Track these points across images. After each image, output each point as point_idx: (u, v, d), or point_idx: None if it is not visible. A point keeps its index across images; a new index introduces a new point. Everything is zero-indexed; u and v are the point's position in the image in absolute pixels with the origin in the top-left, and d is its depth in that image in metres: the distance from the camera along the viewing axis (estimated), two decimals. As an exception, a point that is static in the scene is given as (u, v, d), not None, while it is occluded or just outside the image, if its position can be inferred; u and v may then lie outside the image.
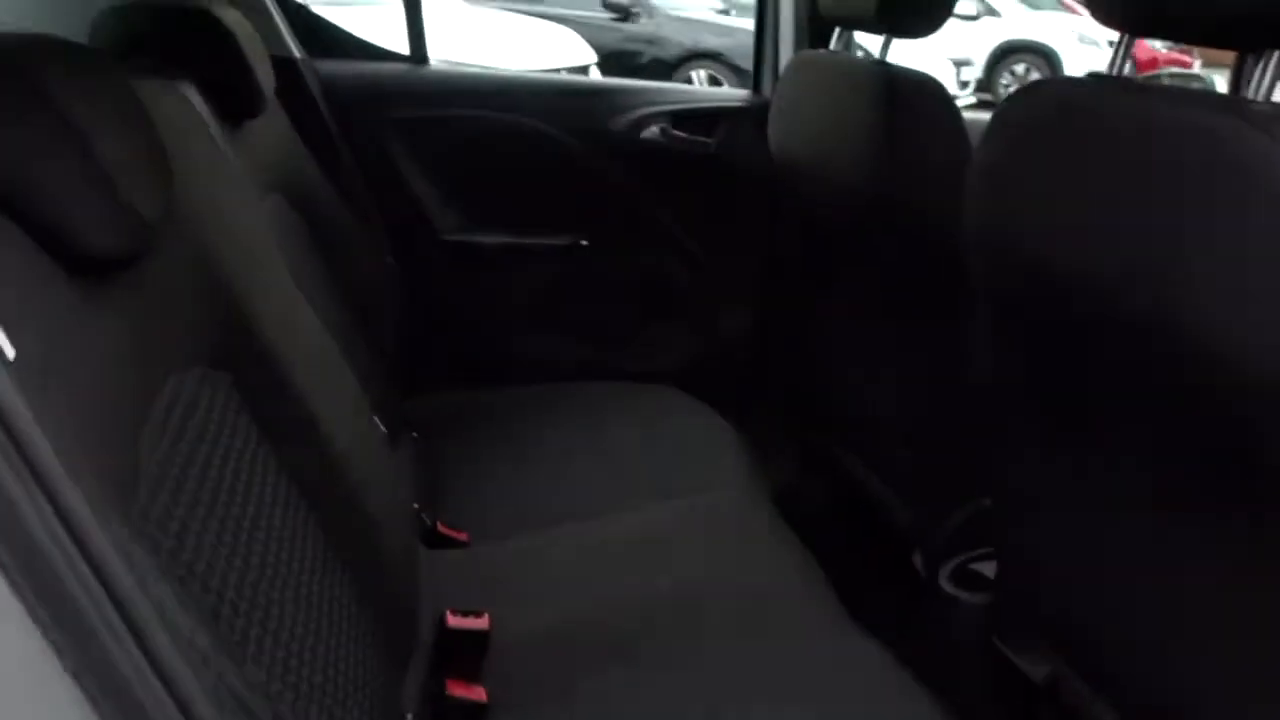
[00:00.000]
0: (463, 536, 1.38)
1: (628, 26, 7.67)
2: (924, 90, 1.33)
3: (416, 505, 1.39)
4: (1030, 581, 1.20)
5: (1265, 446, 0.74)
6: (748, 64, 1.90)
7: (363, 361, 1.48)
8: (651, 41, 7.52)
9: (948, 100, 1.33)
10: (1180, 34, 0.82)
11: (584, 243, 1.85)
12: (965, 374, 1.22)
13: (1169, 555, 0.95)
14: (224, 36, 1.18)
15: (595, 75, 4.75)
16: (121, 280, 0.69)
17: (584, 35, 7.12)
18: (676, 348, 1.97)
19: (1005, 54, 7.95)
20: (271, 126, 1.40)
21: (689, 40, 7.38)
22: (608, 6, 7.66)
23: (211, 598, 0.69)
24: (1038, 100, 0.94)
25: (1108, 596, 1.05)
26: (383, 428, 1.29)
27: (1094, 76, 0.91)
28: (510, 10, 6.46)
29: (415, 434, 1.60)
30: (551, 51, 5.90)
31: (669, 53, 7.42)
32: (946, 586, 1.43)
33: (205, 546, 0.70)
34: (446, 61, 1.79)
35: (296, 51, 1.63)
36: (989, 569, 1.45)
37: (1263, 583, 0.83)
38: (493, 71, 1.79)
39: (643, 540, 1.31)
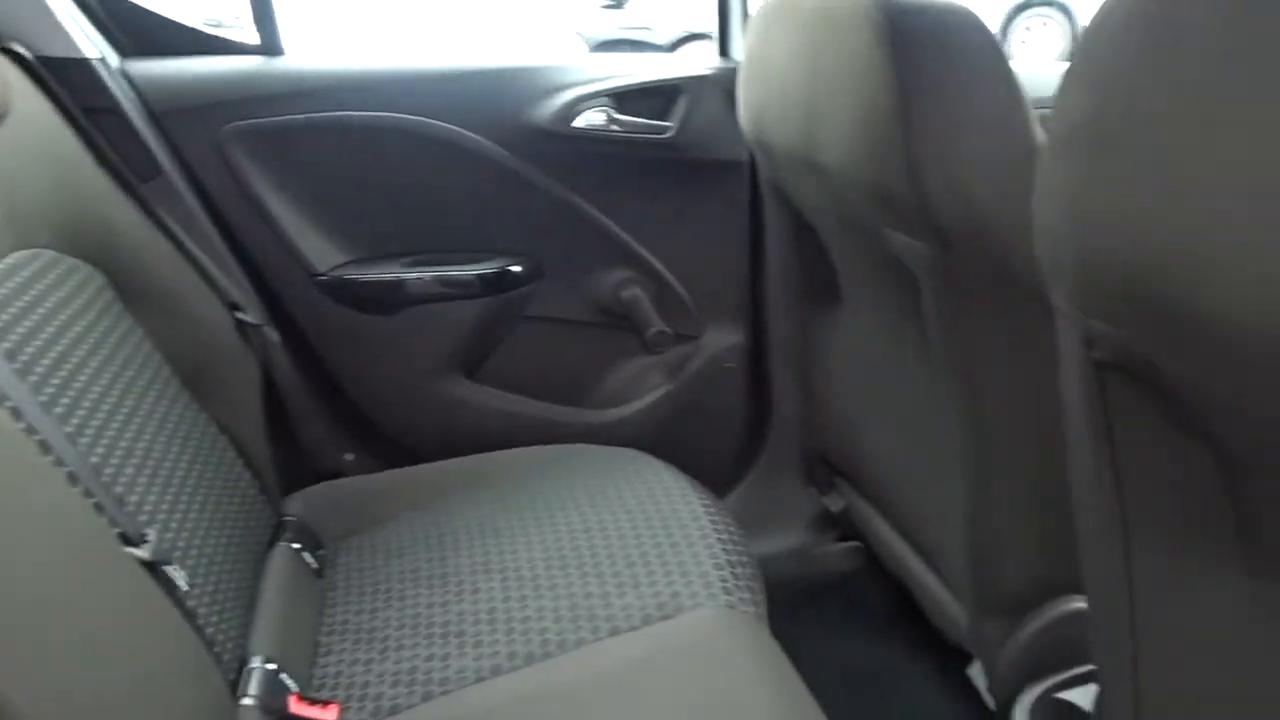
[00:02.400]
0: (331, 714, 0.97)
1: (620, 14, 7.30)
2: (951, 26, 0.89)
3: (274, 665, 0.99)
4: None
5: None
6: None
7: (202, 458, 1.08)
8: (645, 27, 7.18)
9: (988, 40, 0.89)
10: None
11: (515, 269, 1.43)
12: (1040, 437, 0.80)
13: None
14: None
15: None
16: None
17: (574, 27, 6.76)
18: (645, 396, 1.54)
19: (1019, 10, 7.42)
20: (23, 154, 1.00)
21: (683, 21, 7.02)
22: (601, -7, 7.35)
23: None
24: (1151, 12, 0.51)
25: None
26: (183, 583, 0.88)
27: None
28: None
29: (296, 544, 1.21)
30: (532, 43, 5.52)
31: (663, 38, 7.05)
32: (1027, 734, 1.01)
33: None
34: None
35: (91, 50, 1.22)
36: (1086, 697, 1.03)
37: None
38: (365, 62, 1.36)
39: (580, 711, 0.90)
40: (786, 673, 0.95)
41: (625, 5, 7.51)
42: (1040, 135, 0.86)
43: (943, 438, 1.05)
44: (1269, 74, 0.44)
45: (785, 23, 1.11)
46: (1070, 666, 1.05)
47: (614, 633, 1.00)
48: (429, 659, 1.02)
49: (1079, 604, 1.04)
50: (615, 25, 7.33)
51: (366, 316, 1.40)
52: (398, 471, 1.37)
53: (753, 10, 1.38)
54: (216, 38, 1.33)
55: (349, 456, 1.45)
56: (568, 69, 1.40)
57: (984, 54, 0.88)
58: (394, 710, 0.97)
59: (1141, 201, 0.52)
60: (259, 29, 1.33)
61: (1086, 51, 0.55)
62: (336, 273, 1.38)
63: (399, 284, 1.40)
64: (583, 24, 7.18)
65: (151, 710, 0.73)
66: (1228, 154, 0.46)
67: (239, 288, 1.29)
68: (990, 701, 1.11)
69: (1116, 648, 0.77)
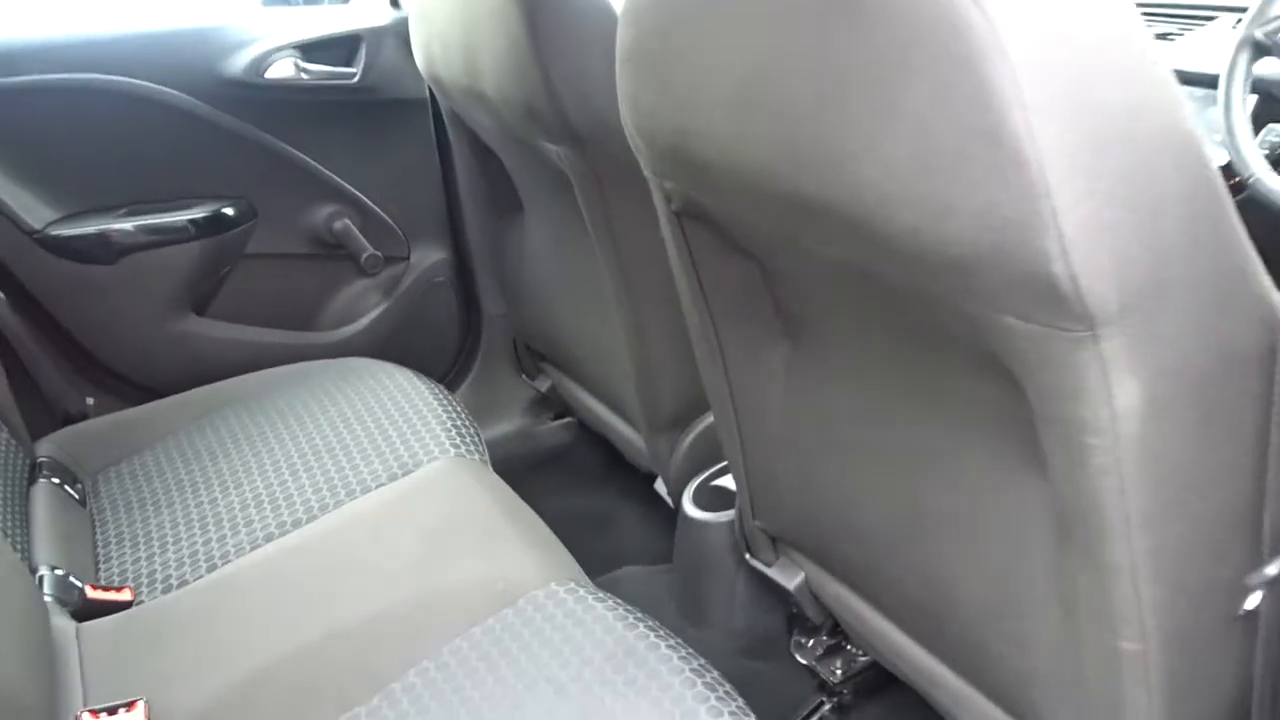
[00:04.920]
0: (125, 594, 1.13)
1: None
2: None
3: (61, 570, 1.13)
4: (767, 493, 1.12)
5: (944, 315, 0.65)
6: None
7: None
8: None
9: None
10: None
11: (228, 211, 1.57)
12: (670, 287, 1.10)
13: (886, 443, 0.87)
14: None
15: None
16: None
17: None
18: (368, 314, 1.74)
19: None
20: None
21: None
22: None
23: None
24: None
25: (836, 492, 0.98)
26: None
27: None
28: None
29: (56, 479, 1.32)
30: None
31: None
32: (691, 510, 1.34)
33: None
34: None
35: None
36: (731, 482, 1.38)
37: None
38: (46, 30, 1.44)
39: (342, 553, 1.12)
40: (511, 496, 1.21)
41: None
42: None
43: (607, 302, 1.34)
44: (714, 24, 0.73)
45: None
46: (718, 462, 1.39)
47: (365, 491, 1.22)
48: (206, 542, 1.19)
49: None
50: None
51: (87, 267, 1.49)
52: (143, 407, 1.49)
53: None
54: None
55: (90, 400, 1.54)
56: (255, 25, 1.54)
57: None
58: (183, 584, 1.14)
59: (669, 95, 0.81)
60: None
61: (629, 5, 0.83)
62: (53, 229, 1.46)
63: (115, 234, 1.50)
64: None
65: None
66: (704, 64, 0.75)
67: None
68: (671, 503, 1.44)
69: (726, 419, 1.09)
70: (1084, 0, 0.54)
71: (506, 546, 1.09)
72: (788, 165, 0.69)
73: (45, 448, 1.39)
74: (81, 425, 1.47)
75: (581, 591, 0.99)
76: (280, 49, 1.54)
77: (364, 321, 1.73)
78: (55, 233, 1.47)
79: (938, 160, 0.55)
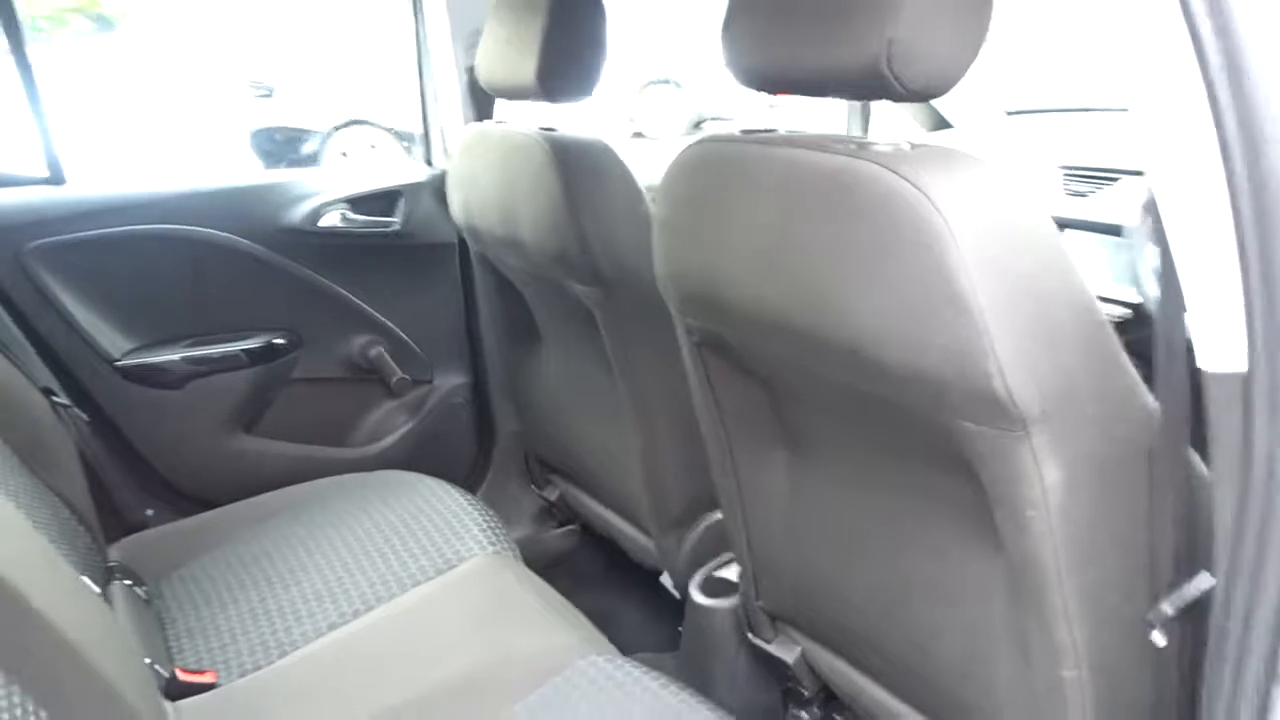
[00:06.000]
0: (209, 677, 1.28)
1: (273, 102, 7.45)
2: (592, 152, 1.42)
3: (148, 659, 1.28)
4: (769, 576, 1.31)
5: (919, 425, 0.88)
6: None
7: (46, 516, 1.34)
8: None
9: (616, 159, 1.43)
10: (806, 91, 0.94)
11: (278, 341, 1.78)
12: (680, 404, 1.31)
13: (873, 530, 1.08)
14: None
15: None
16: None
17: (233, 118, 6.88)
18: (396, 432, 1.94)
19: (648, 84, 8.58)
20: None
21: (335, 106, 7.30)
22: (253, 85, 7.46)
23: None
24: (698, 158, 1.05)
25: (830, 572, 1.17)
26: (95, 587, 1.17)
27: (745, 132, 1.03)
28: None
29: (128, 581, 1.47)
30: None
31: (322, 124, 7.30)
32: (697, 598, 1.52)
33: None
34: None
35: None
36: (732, 572, 1.56)
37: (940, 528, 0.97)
38: (142, 186, 1.68)
39: (404, 635, 1.29)
40: (543, 585, 1.39)
41: (274, 94, 7.63)
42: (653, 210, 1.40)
43: (621, 418, 1.55)
44: (734, 198, 0.97)
45: (481, 147, 1.59)
46: (720, 555, 1.59)
47: (415, 584, 1.39)
48: (274, 632, 1.35)
49: (719, 514, 1.59)
50: (272, 114, 7.46)
51: (156, 391, 1.69)
52: (198, 517, 1.65)
53: (445, 132, 1.86)
54: (4, 174, 1.59)
55: (150, 512, 1.71)
56: (312, 180, 1.79)
57: (613, 164, 1.42)
58: (258, 668, 1.29)
59: (698, 253, 1.04)
60: (47, 161, 1.60)
61: (665, 185, 1.07)
62: (129, 358, 1.66)
63: (182, 363, 1.70)
64: (240, 114, 7.28)
65: (128, 676, 1.03)
66: (728, 228, 0.99)
67: (50, 377, 1.54)
68: (676, 595, 1.63)
69: (734, 513, 1.30)
70: (1006, 201, 0.79)
71: (548, 626, 1.27)
72: (799, 311, 0.92)
73: (114, 553, 1.55)
74: (144, 534, 1.63)
75: (620, 661, 1.17)
76: (332, 202, 1.78)
77: (392, 438, 1.93)
78: (131, 362, 1.66)
79: (913, 311, 0.79)
